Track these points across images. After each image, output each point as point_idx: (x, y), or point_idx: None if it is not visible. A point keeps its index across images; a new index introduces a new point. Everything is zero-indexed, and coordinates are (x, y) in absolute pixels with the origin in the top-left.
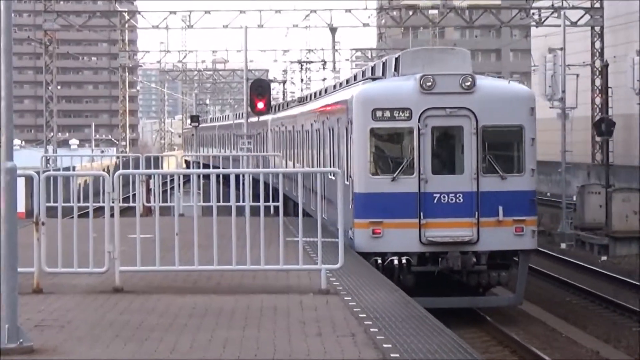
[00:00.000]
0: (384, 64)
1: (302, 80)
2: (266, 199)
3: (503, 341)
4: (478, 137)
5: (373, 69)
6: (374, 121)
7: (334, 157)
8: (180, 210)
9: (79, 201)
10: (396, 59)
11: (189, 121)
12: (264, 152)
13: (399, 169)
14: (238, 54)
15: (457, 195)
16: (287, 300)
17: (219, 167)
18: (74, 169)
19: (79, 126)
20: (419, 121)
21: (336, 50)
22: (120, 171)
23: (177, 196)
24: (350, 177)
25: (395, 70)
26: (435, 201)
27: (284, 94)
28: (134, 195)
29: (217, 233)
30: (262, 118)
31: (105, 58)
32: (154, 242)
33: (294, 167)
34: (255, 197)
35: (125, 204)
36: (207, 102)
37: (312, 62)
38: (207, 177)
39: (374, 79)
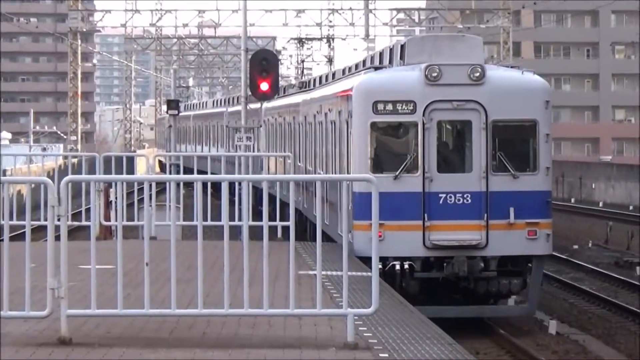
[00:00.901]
0: (391, 51)
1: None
2: (271, 217)
3: (515, 355)
4: (488, 133)
5: (381, 55)
6: (375, 114)
7: (336, 155)
8: (151, 231)
9: (10, 218)
10: (402, 46)
11: (164, 108)
12: (267, 150)
13: (402, 167)
14: (234, 16)
15: (465, 196)
16: (299, 357)
17: (206, 172)
18: (3, 174)
19: (11, 114)
20: (423, 115)
21: (370, 11)
22: (69, 177)
23: (148, 212)
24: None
25: (401, 58)
26: (440, 202)
27: (298, 72)
28: (88, 210)
29: (203, 263)
30: (268, 104)
31: (49, 20)
32: (115, 276)
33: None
34: (257, 214)
35: (76, 223)
36: (191, 81)
37: (336, 26)
38: (189, 185)
39: (376, 68)
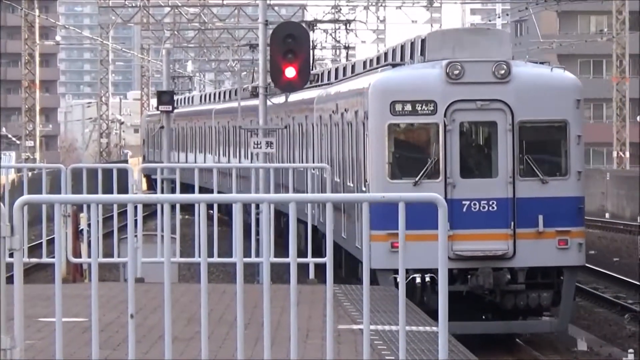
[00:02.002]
0: (412, 45)
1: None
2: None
3: None
4: (514, 134)
5: (402, 49)
6: (393, 116)
7: (353, 160)
8: (137, 271)
9: None
10: (422, 40)
11: (154, 102)
12: (296, 159)
13: (422, 172)
14: None
15: (490, 203)
16: None
17: (211, 190)
18: None
19: None
20: (445, 116)
21: None
22: (25, 197)
23: (132, 245)
24: (367, 181)
25: (421, 54)
26: (464, 209)
27: (337, 53)
28: (51, 242)
29: (207, 315)
30: (296, 96)
31: None
32: (89, 332)
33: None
34: (281, 248)
35: (35, 260)
36: (189, 66)
37: None
38: (188, 208)
39: (393, 65)
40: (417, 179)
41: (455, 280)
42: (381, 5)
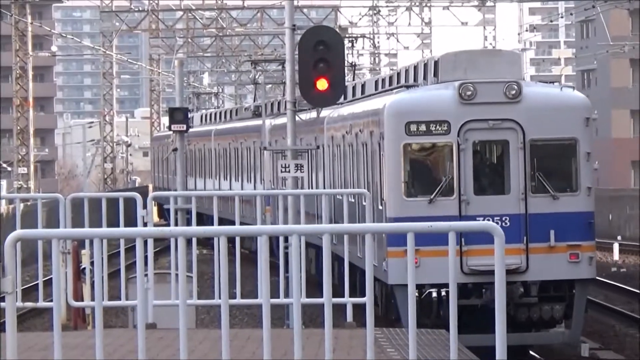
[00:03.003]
0: (425, 66)
1: (423, 23)
2: (336, 289)
3: None
4: (526, 152)
5: (415, 70)
6: (408, 136)
7: (368, 180)
8: (148, 316)
9: None
10: (435, 62)
11: (165, 121)
12: (304, 181)
13: (437, 190)
14: None
15: (503, 219)
16: None
17: (233, 221)
18: None
19: None
20: (458, 135)
21: None
22: (18, 232)
23: (143, 285)
24: (383, 200)
25: (434, 75)
26: None
27: (375, 60)
28: (48, 283)
29: None
30: (303, 116)
31: None
32: None
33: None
34: (314, 286)
35: (30, 304)
36: (206, 78)
37: None
38: (207, 242)
39: (408, 87)
40: (432, 196)
41: (471, 294)
42: (426, 6)
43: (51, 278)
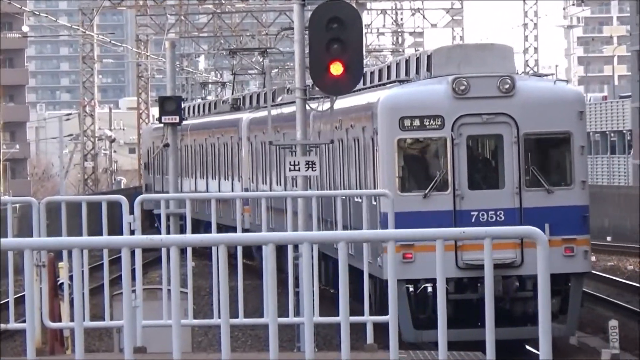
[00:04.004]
0: (417, 61)
1: None
2: (353, 307)
3: None
4: (520, 146)
5: (407, 64)
6: (402, 131)
7: (360, 176)
8: (136, 338)
9: None
10: (428, 56)
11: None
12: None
13: (431, 185)
14: None
15: (498, 213)
16: None
17: (234, 228)
18: None
19: None
20: (452, 130)
21: None
22: None
23: (129, 303)
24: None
25: (427, 70)
26: (472, 220)
27: (398, 40)
28: (20, 300)
29: None
30: (289, 109)
31: None
32: None
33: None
34: (328, 303)
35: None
36: (201, 62)
37: None
38: (204, 252)
39: (401, 82)
40: (426, 191)
41: (466, 288)
42: None
43: (23, 295)
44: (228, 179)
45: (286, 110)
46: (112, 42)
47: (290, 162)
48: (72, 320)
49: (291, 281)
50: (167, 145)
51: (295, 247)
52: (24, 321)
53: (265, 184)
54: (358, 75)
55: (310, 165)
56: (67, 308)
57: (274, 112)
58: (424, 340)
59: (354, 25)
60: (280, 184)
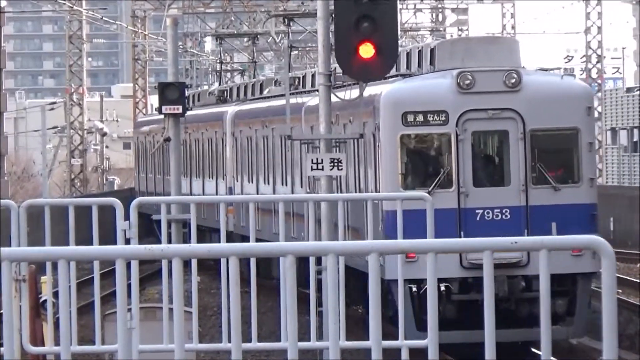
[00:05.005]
0: (419, 54)
1: None
2: (387, 330)
3: None
4: (526, 143)
5: (408, 57)
6: (405, 127)
7: (360, 174)
8: None
9: None
10: (432, 50)
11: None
12: (277, 179)
13: (435, 182)
14: None
15: (503, 211)
16: None
17: (245, 237)
18: None
19: None
20: (456, 126)
21: None
22: None
23: (123, 323)
24: (379, 192)
25: (431, 63)
26: (477, 218)
27: (437, 17)
28: None
29: None
30: (276, 103)
31: None
32: None
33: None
34: (356, 324)
35: None
36: (208, 42)
37: None
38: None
39: (404, 76)
40: (430, 189)
41: (470, 289)
42: None
43: (0, 314)
44: (212, 178)
45: (275, 103)
46: (104, 18)
47: (312, 160)
48: (57, 344)
49: (313, 299)
50: (168, 139)
51: (318, 260)
52: (1, 345)
53: (252, 182)
54: (391, 59)
55: (336, 164)
56: (51, 330)
57: (262, 105)
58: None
59: (387, 1)
60: (268, 183)
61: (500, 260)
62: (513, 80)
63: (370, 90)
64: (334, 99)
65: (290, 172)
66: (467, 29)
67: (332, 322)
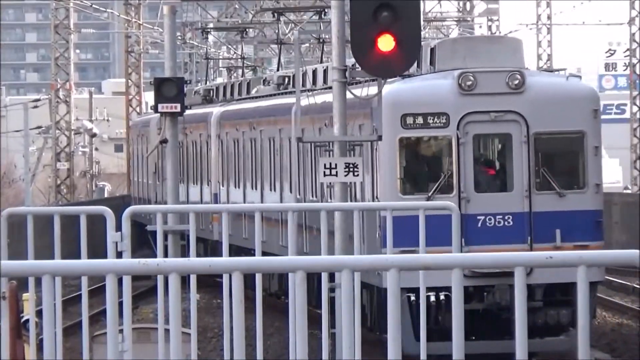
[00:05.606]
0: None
1: None
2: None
3: None
4: (530, 147)
5: None
6: (404, 129)
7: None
8: None
9: None
10: (432, 49)
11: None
12: (265, 185)
13: (435, 187)
14: None
15: (506, 217)
16: None
17: (250, 250)
18: None
19: None
20: (457, 128)
21: None
22: None
23: (114, 346)
24: (377, 198)
25: (431, 63)
26: (479, 224)
27: (463, 5)
28: None
29: None
30: (266, 103)
31: None
32: None
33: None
34: (372, 346)
35: None
36: (210, 30)
37: None
38: (211, 281)
39: (403, 76)
40: (429, 194)
41: (472, 298)
42: None
43: None
44: (197, 184)
45: (264, 103)
46: (94, 6)
47: (325, 165)
48: None
49: (325, 318)
50: (164, 141)
51: (331, 276)
52: None
53: (238, 188)
54: (413, 53)
55: (352, 169)
56: (33, 352)
57: (249, 105)
58: (428, 352)
59: None
60: (256, 189)
61: (502, 268)
62: (516, 82)
63: (357, 92)
64: (349, 95)
65: (279, 177)
66: (497, 19)
67: (347, 347)
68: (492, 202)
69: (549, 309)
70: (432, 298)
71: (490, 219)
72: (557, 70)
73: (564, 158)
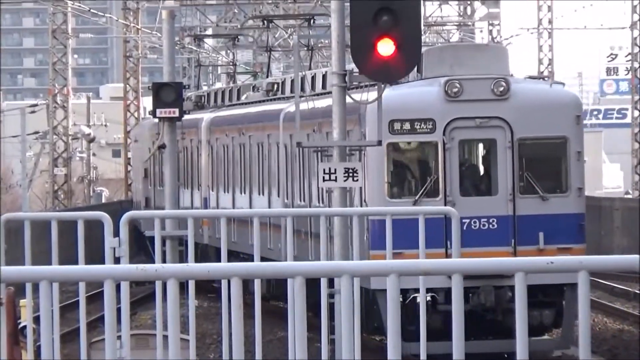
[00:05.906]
0: None
1: None
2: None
3: None
4: (514, 152)
5: None
6: (392, 135)
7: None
8: None
9: None
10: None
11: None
12: (253, 190)
13: (422, 191)
14: None
15: (490, 220)
16: None
17: (248, 256)
18: None
19: None
20: (444, 134)
21: None
22: None
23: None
24: (365, 201)
25: (418, 71)
26: (464, 227)
27: (465, 11)
28: None
29: None
30: (255, 109)
31: None
32: None
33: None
34: (373, 353)
35: None
36: (209, 39)
37: None
38: (210, 287)
39: (391, 84)
40: (416, 198)
41: None
42: None
43: None
44: (187, 188)
45: (253, 109)
46: (92, 11)
47: (324, 170)
48: None
49: (325, 325)
50: (163, 146)
51: (331, 281)
52: None
53: (228, 192)
54: (414, 57)
55: (351, 174)
56: (30, 358)
57: (238, 112)
58: (413, 353)
59: None
60: (244, 193)
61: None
62: (501, 88)
63: (356, 97)
64: (349, 100)
65: (267, 182)
66: (498, 24)
67: (346, 351)
68: (477, 206)
69: (532, 310)
70: (419, 299)
71: (475, 222)
72: (541, 77)
73: (547, 163)
